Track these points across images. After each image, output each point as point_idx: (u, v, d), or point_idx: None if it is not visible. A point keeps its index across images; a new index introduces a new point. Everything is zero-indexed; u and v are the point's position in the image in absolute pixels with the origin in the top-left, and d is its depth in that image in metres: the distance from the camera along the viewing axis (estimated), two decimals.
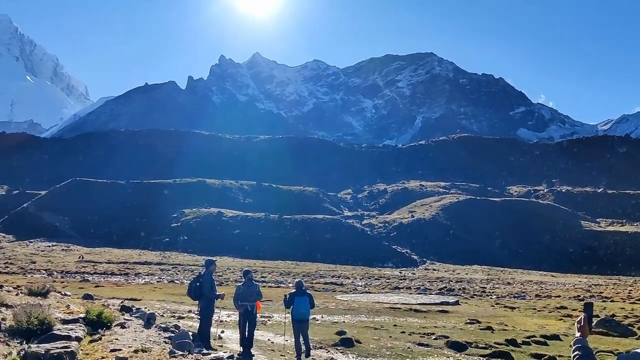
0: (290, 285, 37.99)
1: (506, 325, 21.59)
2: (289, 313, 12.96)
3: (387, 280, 52.91)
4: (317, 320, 21.51)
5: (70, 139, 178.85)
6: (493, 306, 31.12)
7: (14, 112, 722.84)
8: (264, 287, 38.32)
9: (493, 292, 42.20)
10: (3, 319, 9.09)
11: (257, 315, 13.58)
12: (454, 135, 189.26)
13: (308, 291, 13.25)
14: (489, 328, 20.12)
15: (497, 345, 16.04)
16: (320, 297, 33.25)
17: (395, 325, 20.27)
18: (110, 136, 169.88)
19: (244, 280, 12.88)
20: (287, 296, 12.77)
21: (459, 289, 44.44)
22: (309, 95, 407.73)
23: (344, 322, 21.22)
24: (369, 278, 55.67)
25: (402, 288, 44.28)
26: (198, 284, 12.13)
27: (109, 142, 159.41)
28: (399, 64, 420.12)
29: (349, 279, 54.03)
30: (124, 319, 11.48)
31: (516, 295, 40.34)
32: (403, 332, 18.18)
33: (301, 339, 12.53)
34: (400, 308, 27.03)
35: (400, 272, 67.29)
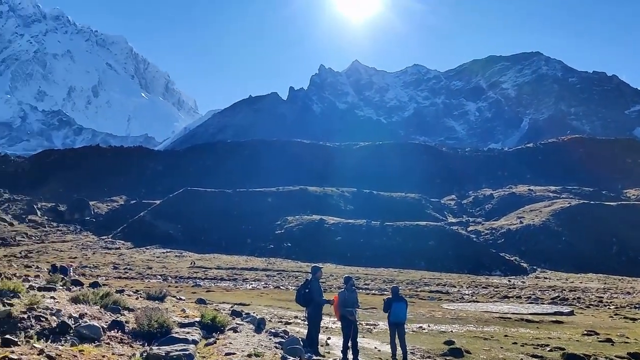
0: None
1: (628, 337, 20.05)
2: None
3: (495, 289, 51.00)
4: (424, 329, 21.11)
5: (181, 150, 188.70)
6: (612, 317, 29.08)
7: (131, 127, 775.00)
8: (367, 294, 38.19)
9: (611, 302, 39.44)
10: (126, 322, 9.65)
11: (362, 322, 13.58)
12: (564, 137, 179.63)
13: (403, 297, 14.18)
14: (609, 340, 18.77)
15: (618, 359, 14.96)
16: (425, 305, 32.63)
17: (506, 336, 19.47)
18: (217, 147, 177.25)
19: (345, 286, 12.90)
20: (385, 301, 13.83)
21: (573, 299, 41.94)
22: (409, 100, 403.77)
23: (451, 331, 20.66)
24: (476, 286, 53.95)
25: (511, 297, 42.50)
26: (307, 290, 12.24)
27: (216, 152, 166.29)
28: (503, 64, 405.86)
29: (455, 287, 52.65)
30: (236, 324, 11.81)
31: (637, 305, 37.44)
32: (515, 343, 17.40)
33: (397, 340, 13.36)
34: (510, 318, 25.96)
35: (509, 281, 64.63)
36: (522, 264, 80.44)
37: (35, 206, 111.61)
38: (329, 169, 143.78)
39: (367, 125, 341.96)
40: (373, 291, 43.21)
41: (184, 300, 19.08)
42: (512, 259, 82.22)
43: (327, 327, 17.65)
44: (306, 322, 13.15)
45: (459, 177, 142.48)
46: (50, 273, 31.97)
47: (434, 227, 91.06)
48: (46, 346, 7.45)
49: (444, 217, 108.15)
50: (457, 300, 38.66)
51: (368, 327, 20.15)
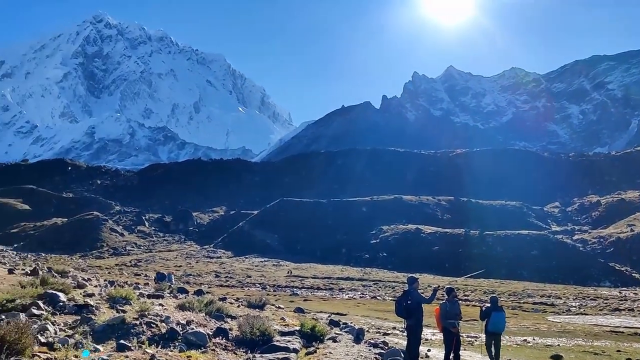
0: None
1: None
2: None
3: (605, 301, 47.84)
4: (529, 342, 20.19)
5: (277, 162, 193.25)
6: None
7: (229, 140, 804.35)
8: (467, 305, 37.10)
9: None
10: (230, 329, 9.93)
11: (463, 335, 13.26)
12: None
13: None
14: None
15: None
16: (529, 317, 31.25)
17: (618, 351, 18.20)
18: (311, 158, 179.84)
19: (447, 297, 12.59)
20: (483, 309, 13.94)
21: None
22: (507, 104, 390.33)
23: (558, 345, 19.61)
24: (584, 298, 50.87)
25: (623, 310, 39.71)
26: (408, 302, 12.00)
27: (310, 163, 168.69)
28: (607, 64, 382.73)
29: (561, 298, 49.95)
30: (335, 333, 11.83)
31: None
32: (629, 359, 16.22)
33: (493, 349, 13.43)
34: (623, 332, 24.28)
35: (619, 292, 60.40)
36: (634, 274, 75.08)
37: (143, 217, 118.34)
38: (424, 177, 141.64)
39: (464, 132, 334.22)
40: (473, 302, 41.93)
41: (282, 308, 19.40)
42: (622, 269, 76.93)
43: (426, 339, 17.30)
44: (405, 334, 12.93)
45: (562, 183, 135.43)
46: (157, 281, 33.67)
47: (537, 235, 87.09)
48: (157, 352, 7.80)
49: (547, 226, 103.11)
50: (564, 312, 36.68)
51: (469, 339, 19.55)
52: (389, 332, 20.29)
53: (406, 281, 12.77)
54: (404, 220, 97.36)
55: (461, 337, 13.50)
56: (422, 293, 12.91)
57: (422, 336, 13.53)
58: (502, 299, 43.85)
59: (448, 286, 13.94)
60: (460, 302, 14.79)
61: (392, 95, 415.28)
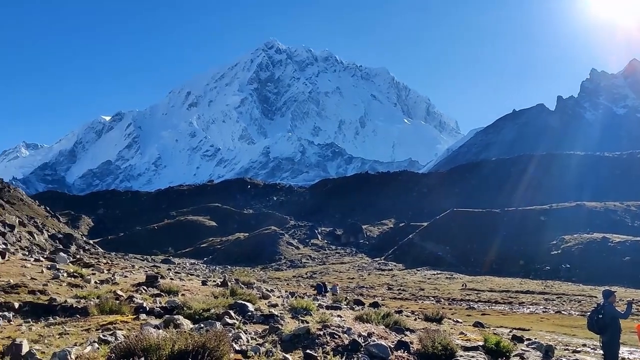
0: None
1: None
2: None
3: None
4: None
5: (445, 172, 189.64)
6: None
7: (395, 153, 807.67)
8: None
9: None
10: (410, 342, 9.81)
11: None
12: None
13: None
14: None
15: None
16: None
17: None
18: (482, 166, 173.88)
19: None
20: None
21: None
22: None
23: None
24: None
25: None
26: (600, 316, 11.03)
27: (480, 172, 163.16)
28: None
29: None
30: (521, 350, 11.17)
31: None
32: None
33: None
34: None
35: None
36: None
37: (316, 231, 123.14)
38: (608, 181, 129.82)
39: None
40: None
41: (460, 322, 18.82)
42: None
43: (623, 358, 15.64)
44: (598, 351, 11.82)
45: None
46: (317, 291, 34.62)
47: None
48: None
49: None
50: None
51: None
52: (579, 349, 18.68)
53: (602, 294, 11.75)
54: (588, 229, 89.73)
55: None
56: (617, 307, 11.71)
57: (619, 354, 12.28)
58: None
59: None
60: None
61: (567, 95, 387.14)
